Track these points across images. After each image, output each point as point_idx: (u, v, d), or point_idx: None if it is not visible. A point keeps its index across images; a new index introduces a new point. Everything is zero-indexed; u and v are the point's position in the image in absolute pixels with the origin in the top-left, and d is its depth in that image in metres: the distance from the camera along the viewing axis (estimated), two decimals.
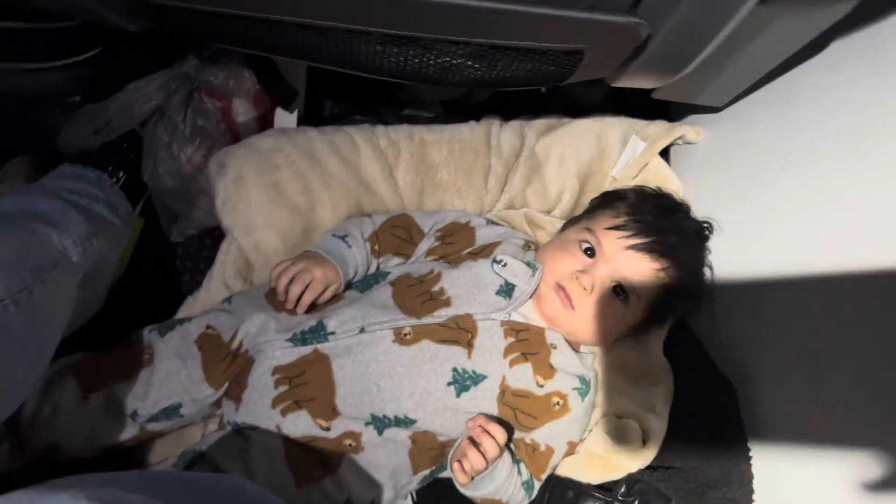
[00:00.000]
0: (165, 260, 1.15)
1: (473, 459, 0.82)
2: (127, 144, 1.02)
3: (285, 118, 1.09)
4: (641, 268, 0.94)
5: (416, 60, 0.72)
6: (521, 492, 0.90)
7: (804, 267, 0.87)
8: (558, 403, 0.92)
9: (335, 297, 0.95)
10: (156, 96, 0.98)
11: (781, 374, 0.86)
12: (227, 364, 0.90)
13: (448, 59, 0.71)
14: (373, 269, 1.00)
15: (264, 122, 1.07)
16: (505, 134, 1.09)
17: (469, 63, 0.72)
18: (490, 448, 0.83)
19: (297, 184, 1.00)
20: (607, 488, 0.92)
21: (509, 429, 0.91)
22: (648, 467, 0.90)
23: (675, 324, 1.02)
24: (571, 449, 0.95)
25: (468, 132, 1.08)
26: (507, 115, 1.12)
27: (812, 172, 0.90)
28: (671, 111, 1.16)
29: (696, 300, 1.00)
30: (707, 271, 1.01)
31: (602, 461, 0.92)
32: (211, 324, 0.92)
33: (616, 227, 0.95)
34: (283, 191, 0.99)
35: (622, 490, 0.91)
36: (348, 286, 0.97)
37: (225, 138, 1.03)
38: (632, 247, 0.93)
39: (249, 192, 0.98)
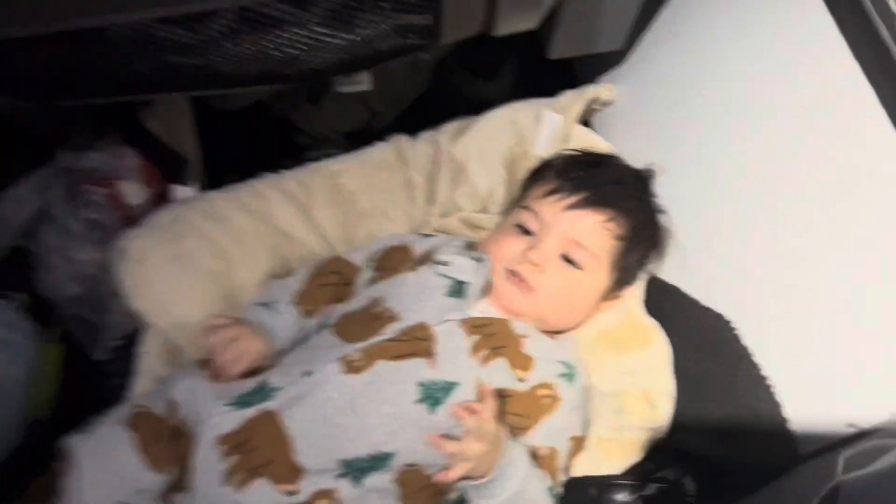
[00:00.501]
0: (96, 384, 1.04)
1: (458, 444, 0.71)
2: (18, 262, 0.93)
3: (184, 193, 1.01)
4: (587, 225, 0.87)
5: (275, 42, 0.65)
6: (546, 498, 0.78)
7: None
8: (546, 396, 0.82)
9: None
10: (33, 200, 0.90)
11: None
12: (167, 442, 0.77)
13: (305, 32, 0.65)
14: (308, 331, 0.90)
15: (161, 201, 0.99)
16: (417, 146, 1.03)
17: (329, 33, 0.66)
18: (472, 422, 0.71)
19: (206, 248, 0.91)
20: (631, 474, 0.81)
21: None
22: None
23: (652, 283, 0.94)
24: (579, 445, 0.84)
25: (377, 153, 1.01)
26: (414, 132, 1.06)
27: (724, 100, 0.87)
28: (578, 82, 1.11)
29: (654, 244, 0.93)
30: (659, 213, 0.94)
31: (615, 444, 0.81)
32: (140, 402, 0.81)
33: (549, 193, 0.89)
34: (192, 259, 0.90)
35: (650, 468, 0.79)
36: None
37: (122, 226, 0.95)
38: (570, 206, 0.87)
39: (155, 269, 0.88)
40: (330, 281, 0.93)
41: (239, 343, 0.81)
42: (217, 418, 0.76)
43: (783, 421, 0.73)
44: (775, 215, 0.78)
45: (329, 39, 0.66)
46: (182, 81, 0.73)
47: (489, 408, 0.73)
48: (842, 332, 0.69)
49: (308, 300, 0.90)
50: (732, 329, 0.79)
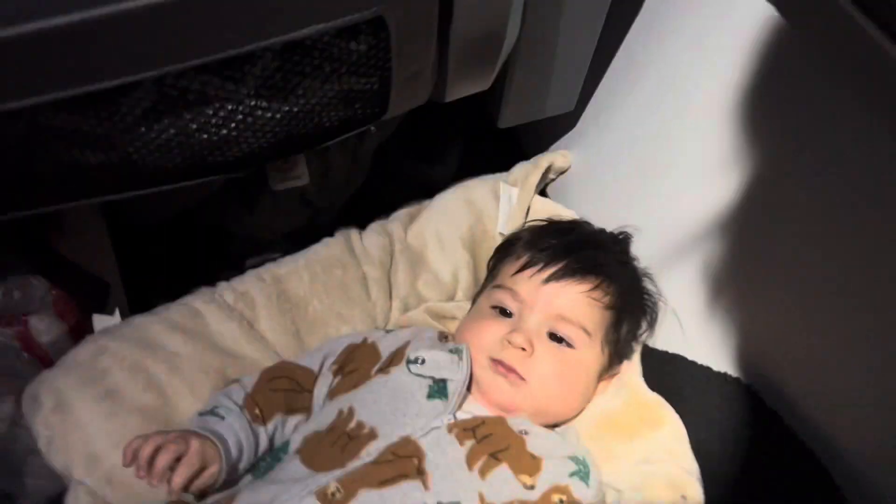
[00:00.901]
0: None
1: None
2: None
3: (106, 322, 0.88)
4: (571, 297, 0.79)
5: (201, 123, 0.56)
6: None
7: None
8: (562, 500, 0.70)
9: (228, 496, 0.71)
10: None
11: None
12: None
13: (236, 107, 0.56)
14: (264, 445, 0.76)
15: (81, 334, 0.85)
16: (368, 237, 0.94)
17: (265, 106, 0.57)
18: None
19: (137, 381, 0.77)
20: None
21: None
22: None
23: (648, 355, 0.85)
24: None
25: (325, 250, 0.91)
26: (362, 225, 0.97)
27: (690, 147, 0.82)
28: (526, 154, 1.05)
29: (645, 310, 0.85)
30: (645, 276, 0.86)
31: None
32: None
33: (523, 268, 0.81)
34: (121, 396, 0.76)
35: None
36: (239, 473, 0.73)
37: (34, 370, 0.80)
38: (550, 278, 0.79)
39: (78, 415, 0.74)
40: (280, 386, 0.79)
41: (174, 444, 0.65)
42: None
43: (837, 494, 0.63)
44: (772, 256, 0.71)
45: (266, 113, 0.57)
46: (94, 184, 0.62)
47: None
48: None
49: (257, 405, 0.76)
50: (755, 393, 0.70)
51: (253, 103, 0.56)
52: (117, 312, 0.89)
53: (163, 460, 0.64)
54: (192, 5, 0.45)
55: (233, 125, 0.57)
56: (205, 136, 0.56)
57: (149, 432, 0.69)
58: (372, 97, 0.62)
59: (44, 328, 0.82)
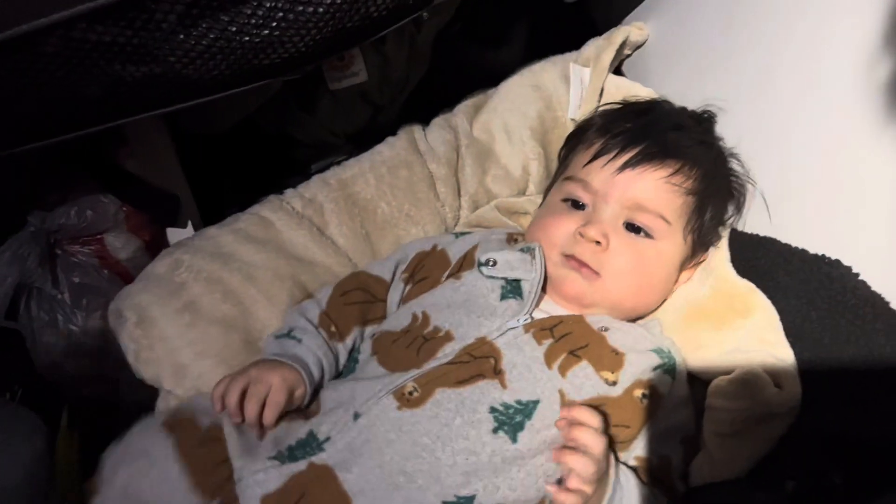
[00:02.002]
0: None
1: (576, 465, 0.59)
2: (7, 348, 0.82)
3: (180, 234, 0.89)
4: (649, 184, 0.74)
5: (240, 24, 0.52)
6: None
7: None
8: (645, 395, 0.68)
9: (316, 403, 0.72)
10: (9, 272, 0.78)
11: None
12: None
13: (274, 3, 0.52)
14: (344, 359, 0.77)
15: (157, 249, 0.86)
16: (432, 133, 0.90)
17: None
18: (590, 440, 0.61)
19: (215, 292, 0.78)
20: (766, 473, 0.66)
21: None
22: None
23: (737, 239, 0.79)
24: (694, 447, 0.70)
25: (388, 150, 0.88)
26: (425, 120, 0.93)
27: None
28: (599, 30, 0.97)
29: (732, 193, 0.79)
30: (731, 157, 0.80)
31: (738, 440, 0.66)
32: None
33: (596, 156, 0.75)
34: (201, 308, 0.77)
35: (787, 462, 0.65)
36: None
37: (115, 285, 0.83)
38: (625, 165, 0.74)
39: (161, 328, 0.76)
40: (354, 299, 0.79)
41: (257, 387, 0.67)
42: (262, 474, 0.63)
43: None
44: (865, 127, 0.64)
45: (307, 8, 0.52)
46: (146, 99, 0.61)
47: (594, 419, 0.62)
48: None
49: (332, 322, 0.76)
50: (856, 275, 0.64)
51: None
52: (190, 225, 0.89)
53: (251, 410, 0.66)
54: None
55: (273, 24, 0.53)
56: (246, 38, 0.53)
57: (229, 373, 0.71)
58: None
59: (120, 245, 0.84)
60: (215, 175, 0.97)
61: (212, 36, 0.52)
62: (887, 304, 0.62)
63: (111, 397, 0.86)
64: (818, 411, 0.65)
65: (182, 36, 0.51)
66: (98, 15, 0.47)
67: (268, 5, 0.51)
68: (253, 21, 0.52)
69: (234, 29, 0.52)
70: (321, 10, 0.53)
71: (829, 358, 0.66)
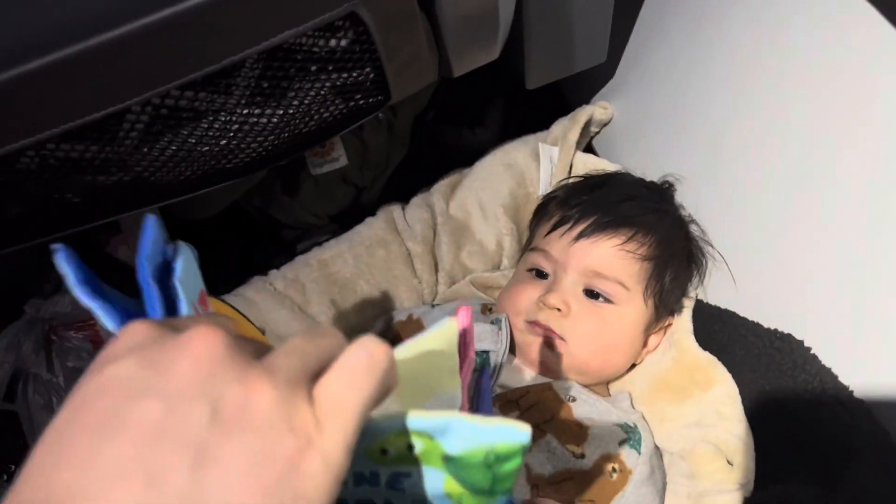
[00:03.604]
0: None
1: None
2: (6, 429, 0.85)
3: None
4: (604, 252, 0.76)
5: (200, 137, 0.57)
6: None
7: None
8: (615, 469, 0.70)
9: None
10: (7, 359, 0.82)
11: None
12: None
13: (230, 118, 0.56)
14: None
15: None
16: (410, 213, 0.94)
17: (257, 111, 0.57)
18: None
19: None
20: None
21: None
22: None
23: (699, 311, 0.81)
24: None
25: (367, 230, 0.92)
26: (406, 198, 0.97)
27: (736, 87, 0.75)
28: (572, 107, 1.01)
29: (689, 258, 0.81)
30: (686, 223, 0.82)
31: None
32: None
33: (555, 227, 0.79)
34: None
35: None
36: None
37: None
38: (580, 235, 0.76)
39: None
40: None
41: None
42: None
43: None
44: (823, 206, 0.66)
45: (261, 119, 0.57)
46: (122, 201, 0.65)
47: None
48: None
49: None
50: (807, 349, 0.66)
51: (246, 111, 0.56)
52: None
53: None
54: (157, 33, 0.46)
55: (231, 134, 0.57)
56: (206, 147, 0.58)
57: None
58: (370, 87, 0.61)
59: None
60: (205, 254, 1.01)
61: (174, 148, 0.57)
62: (836, 377, 0.64)
63: None
64: (775, 485, 0.66)
65: (146, 149, 0.56)
66: (66, 135, 0.52)
67: (223, 118, 0.56)
68: (210, 133, 0.57)
69: (193, 141, 0.56)
70: (275, 120, 0.58)
71: (782, 432, 0.67)
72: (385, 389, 0.30)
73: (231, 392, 0.27)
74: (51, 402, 0.85)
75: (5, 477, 0.84)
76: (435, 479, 0.35)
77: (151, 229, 0.37)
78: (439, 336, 0.35)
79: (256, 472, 0.26)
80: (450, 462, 0.34)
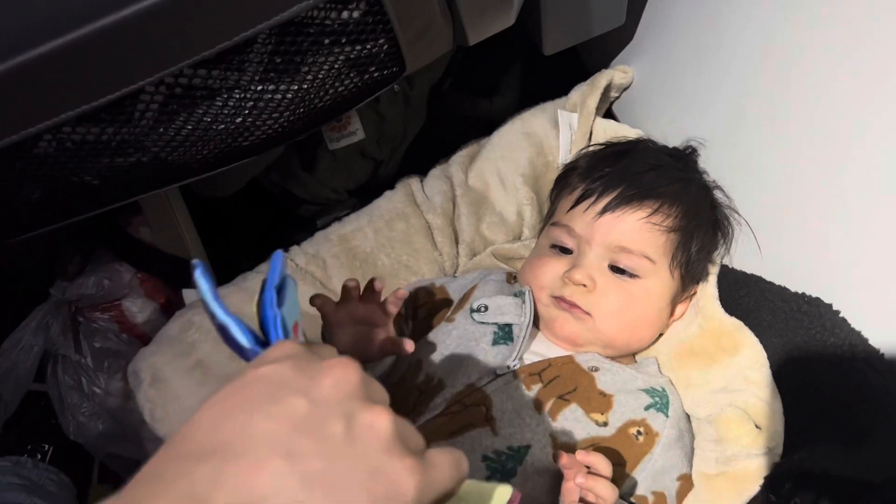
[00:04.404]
0: None
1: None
2: (37, 409, 0.87)
3: (195, 295, 0.93)
4: (629, 226, 0.75)
5: (215, 115, 0.57)
6: None
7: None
8: (639, 432, 0.70)
9: None
10: (36, 341, 0.84)
11: None
12: None
13: (245, 94, 0.56)
14: None
15: (172, 310, 0.91)
16: (429, 185, 0.93)
17: (272, 87, 0.57)
18: (605, 492, 0.61)
19: (224, 350, 0.80)
20: None
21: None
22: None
23: (724, 276, 0.80)
24: (688, 485, 0.71)
25: (386, 203, 0.91)
26: (425, 170, 0.96)
27: (760, 43, 0.73)
28: (589, 70, 0.99)
29: (715, 227, 0.80)
30: (711, 190, 0.81)
31: (725, 480, 0.67)
32: None
33: (578, 201, 0.77)
34: (210, 366, 0.82)
35: (773, 500, 0.65)
36: None
37: (133, 347, 0.88)
38: (604, 209, 0.75)
39: (173, 387, 0.80)
40: None
41: None
42: None
43: None
44: (850, 166, 0.64)
45: (276, 95, 0.56)
46: (141, 182, 0.65)
47: (608, 469, 0.63)
48: None
49: None
50: (837, 313, 0.65)
51: (260, 88, 0.56)
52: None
53: None
54: (168, 12, 0.45)
55: (246, 111, 0.57)
56: (222, 126, 0.57)
57: None
58: (384, 58, 0.60)
59: (137, 309, 0.89)
60: (227, 232, 1.01)
61: (189, 127, 0.56)
62: (866, 340, 0.63)
63: (137, 454, 0.91)
64: (801, 450, 0.65)
65: (161, 129, 0.56)
66: (82, 118, 0.52)
67: (237, 96, 0.55)
68: (226, 111, 0.56)
69: (209, 119, 0.56)
70: (289, 95, 0.57)
71: (811, 396, 0.66)
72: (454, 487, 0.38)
73: (362, 414, 0.34)
74: (80, 383, 0.86)
75: (38, 456, 0.86)
76: None
77: (279, 263, 0.44)
78: (494, 496, 0.40)
79: (370, 483, 0.32)
80: None
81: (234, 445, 0.32)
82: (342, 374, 0.36)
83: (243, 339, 0.41)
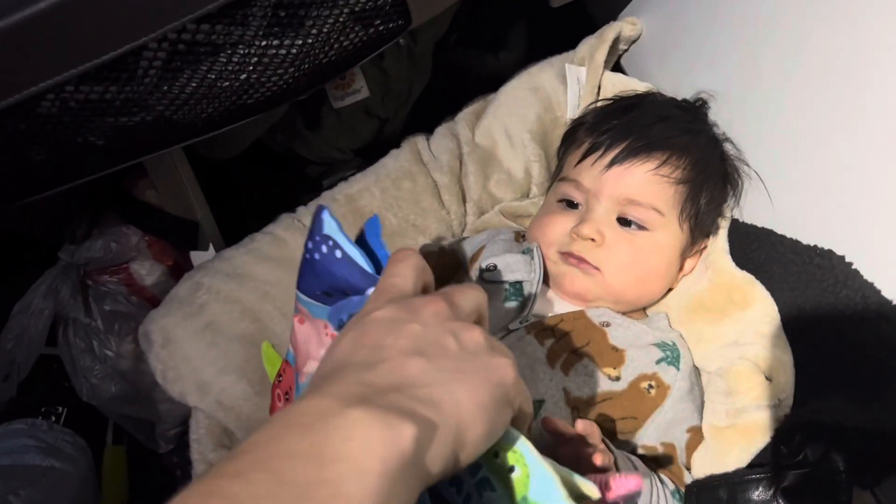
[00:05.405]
0: (169, 483, 0.98)
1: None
2: (50, 372, 0.88)
3: (202, 256, 0.94)
4: (637, 178, 0.74)
5: (219, 72, 0.56)
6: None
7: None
8: (651, 386, 0.70)
9: None
10: (46, 305, 0.84)
11: None
12: None
13: (249, 50, 0.55)
14: None
15: (180, 272, 0.91)
16: (435, 143, 0.92)
17: (277, 44, 0.56)
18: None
19: (233, 311, 0.82)
20: (764, 463, 0.67)
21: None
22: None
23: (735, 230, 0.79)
24: (698, 437, 0.71)
25: (392, 163, 0.90)
26: (431, 129, 0.95)
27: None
28: (598, 23, 0.97)
29: (725, 178, 0.79)
30: (721, 142, 0.80)
31: (735, 432, 0.67)
32: None
33: (586, 155, 0.77)
34: (220, 327, 0.82)
35: (783, 452, 0.65)
36: None
37: (143, 309, 0.88)
38: (612, 162, 0.75)
39: (184, 348, 0.80)
40: None
41: None
42: None
43: None
44: (862, 117, 0.63)
45: (280, 50, 0.55)
46: (146, 142, 0.65)
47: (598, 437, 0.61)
48: None
49: None
50: (848, 264, 0.65)
51: (264, 43, 0.55)
52: (211, 247, 0.94)
53: None
54: None
55: (250, 68, 0.56)
56: (226, 83, 0.56)
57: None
58: (389, 11, 0.59)
59: (145, 272, 0.89)
60: (234, 196, 1.01)
61: (193, 84, 0.55)
62: (878, 291, 0.62)
63: (150, 414, 0.92)
64: (813, 401, 0.65)
65: (166, 87, 0.55)
66: (84, 76, 0.51)
67: (241, 52, 0.55)
68: (230, 67, 0.55)
69: (213, 76, 0.55)
70: (294, 51, 0.56)
71: (822, 349, 0.66)
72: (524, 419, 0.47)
73: (463, 332, 0.43)
74: (91, 346, 0.87)
75: (53, 418, 0.87)
76: None
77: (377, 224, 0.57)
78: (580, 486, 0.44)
79: (486, 373, 0.41)
80: (523, 502, 0.43)
81: (376, 357, 0.40)
82: (436, 307, 0.44)
83: (369, 268, 0.53)
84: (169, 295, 0.85)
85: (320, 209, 0.56)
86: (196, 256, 0.94)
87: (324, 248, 0.56)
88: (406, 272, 0.48)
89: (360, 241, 0.57)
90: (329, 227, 0.55)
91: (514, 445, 0.44)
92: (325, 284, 0.57)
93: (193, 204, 0.91)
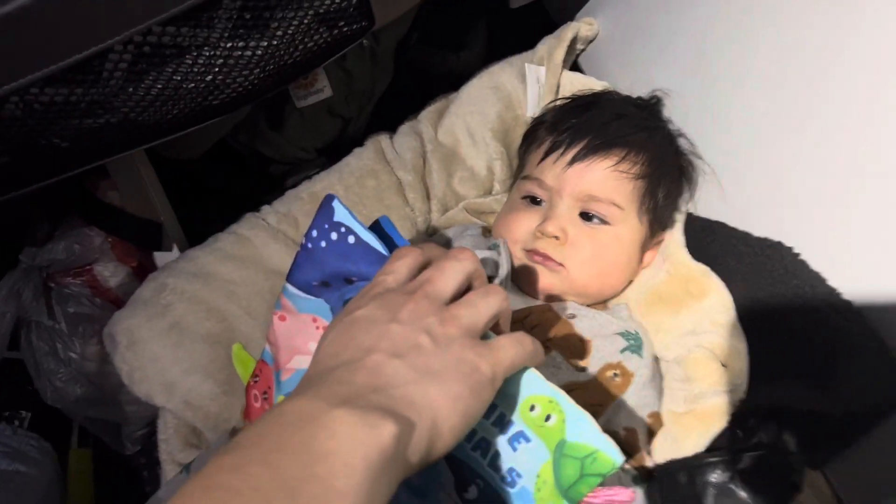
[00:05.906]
0: (135, 485, 0.97)
1: None
2: (13, 376, 0.87)
3: (167, 257, 0.93)
4: (598, 175, 0.77)
5: (185, 74, 0.56)
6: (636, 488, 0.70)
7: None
8: (616, 374, 0.72)
9: None
10: (8, 309, 0.83)
11: None
12: None
13: (214, 52, 0.55)
14: None
15: (144, 273, 0.91)
16: (398, 141, 0.93)
17: (241, 44, 0.56)
18: None
19: (198, 311, 0.82)
20: (721, 448, 0.70)
21: None
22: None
23: (690, 224, 0.82)
24: (658, 423, 0.74)
25: (356, 161, 0.91)
26: (394, 128, 0.96)
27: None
28: (556, 22, 0.99)
29: (681, 173, 0.82)
30: (676, 138, 0.83)
31: (692, 417, 0.70)
32: None
33: (547, 154, 0.79)
34: (186, 327, 0.81)
35: (739, 436, 0.68)
36: None
37: (107, 311, 0.87)
38: (573, 160, 0.77)
39: (150, 348, 0.80)
40: None
41: None
42: None
43: (885, 349, 0.61)
44: (808, 113, 0.66)
45: (245, 52, 0.56)
46: (111, 145, 0.65)
47: None
48: None
49: None
50: (796, 255, 0.68)
51: (230, 45, 0.55)
52: (175, 248, 0.93)
53: None
54: None
55: (216, 69, 0.57)
56: (191, 84, 0.57)
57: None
58: (353, 12, 0.60)
59: (109, 273, 0.88)
60: (197, 196, 1.00)
61: (159, 86, 0.56)
62: (824, 281, 0.65)
63: (115, 416, 0.91)
64: (765, 386, 0.68)
65: (131, 89, 0.55)
66: (50, 79, 0.51)
67: (207, 53, 0.55)
68: (195, 69, 0.56)
69: (178, 78, 0.56)
70: (259, 52, 0.57)
71: (774, 336, 0.69)
72: (525, 363, 0.49)
73: (437, 327, 0.45)
74: (55, 348, 0.86)
75: (17, 423, 0.86)
76: (540, 456, 0.48)
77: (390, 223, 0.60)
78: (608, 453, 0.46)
79: (458, 367, 0.44)
80: (560, 447, 0.47)
81: (357, 357, 0.43)
82: (414, 305, 0.46)
83: (382, 249, 0.55)
84: (133, 296, 0.85)
85: (329, 198, 0.57)
86: (160, 257, 0.94)
87: (333, 236, 0.57)
88: (400, 269, 0.50)
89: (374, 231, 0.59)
90: (340, 213, 0.57)
91: (548, 395, 0.48)
92: (325, 273, 0.60)
93: (156, 205, 0.91)
